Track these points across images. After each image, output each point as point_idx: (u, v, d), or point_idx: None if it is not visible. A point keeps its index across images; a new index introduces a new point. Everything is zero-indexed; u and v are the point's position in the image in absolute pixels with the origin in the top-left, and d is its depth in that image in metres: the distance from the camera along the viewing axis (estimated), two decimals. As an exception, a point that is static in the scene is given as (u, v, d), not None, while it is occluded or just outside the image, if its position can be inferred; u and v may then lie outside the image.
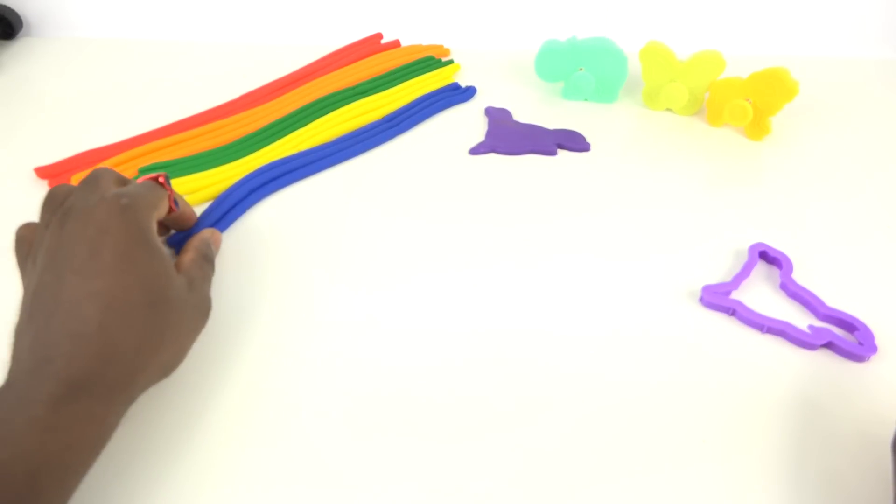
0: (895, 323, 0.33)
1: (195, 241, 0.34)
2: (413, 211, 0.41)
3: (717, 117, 0.49)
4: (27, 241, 0.30)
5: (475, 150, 0.47)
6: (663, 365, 0.32)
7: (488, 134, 0.48)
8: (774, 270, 0.37)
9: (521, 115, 0.50)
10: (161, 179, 0.32)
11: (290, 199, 0.42)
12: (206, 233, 0.36)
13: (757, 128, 0.47)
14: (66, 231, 0.27)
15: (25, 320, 0.26)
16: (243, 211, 0.40)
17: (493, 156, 0.46)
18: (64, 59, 0.58)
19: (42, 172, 0.44)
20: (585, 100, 0.52)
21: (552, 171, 0.45)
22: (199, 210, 0.39)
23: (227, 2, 0.61)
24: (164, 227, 0.36)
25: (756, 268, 0.37)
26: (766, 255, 0.37)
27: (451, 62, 0.56)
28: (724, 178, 0.44)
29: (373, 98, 0.51)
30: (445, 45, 0.59)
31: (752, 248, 0.37)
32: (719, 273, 0.37)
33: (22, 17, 0.61)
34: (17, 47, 0.60)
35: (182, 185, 0.42)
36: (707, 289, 0.35)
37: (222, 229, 0.39)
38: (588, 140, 0.47)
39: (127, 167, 0.44)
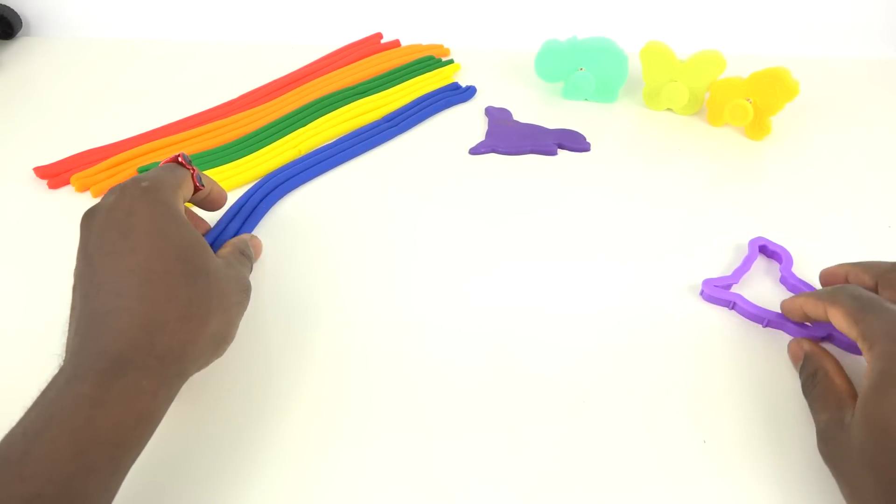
0: None
1: (233, 239, 0.34)
2: (413, 211, 0.41)
3: (717, 117, 0.49)
4: None
5: (475, 150, 0.46)
6: (665, 358, 0.32)
7: (488, 134, 0.48)
8: (774, 265, 0.37)
9: (522, 115, 0.50)
10: (181, 159, 0.31)
11: (290, 200, 0.42)
12: (246, 235, 0.36)
13: (757, 127, 0.47)
14: (94, 225, 0.27)
15: (70, 314, 0.26)
16: (255, 223, 0.40)
17: (493, 156, 0.46)
18: (63, 59, 0.58)
19: (41, 172, 0.44)
20: (586, 100, 0.52)
21: (552, 171, 0.45)
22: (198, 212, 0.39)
23: (228, 2, 0.61)
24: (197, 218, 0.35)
25: (756, 262, 0.37)
26: (766, 250, 0.37)
27: (451, 62, 0.56)
28: (725, 177, 0.44)
29: (373, 98, 0.51)
30: (445, 45, 0.59)
31: (752, 242, 0.37)
32: (719, 268, 0.37)
33: (21, 17, 0.62)
34: (17, 47, 0.60)
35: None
36: (707, 282, 0.35)
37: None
38: (588, 140, 0.47)
39: (127, 167, 0.44)
